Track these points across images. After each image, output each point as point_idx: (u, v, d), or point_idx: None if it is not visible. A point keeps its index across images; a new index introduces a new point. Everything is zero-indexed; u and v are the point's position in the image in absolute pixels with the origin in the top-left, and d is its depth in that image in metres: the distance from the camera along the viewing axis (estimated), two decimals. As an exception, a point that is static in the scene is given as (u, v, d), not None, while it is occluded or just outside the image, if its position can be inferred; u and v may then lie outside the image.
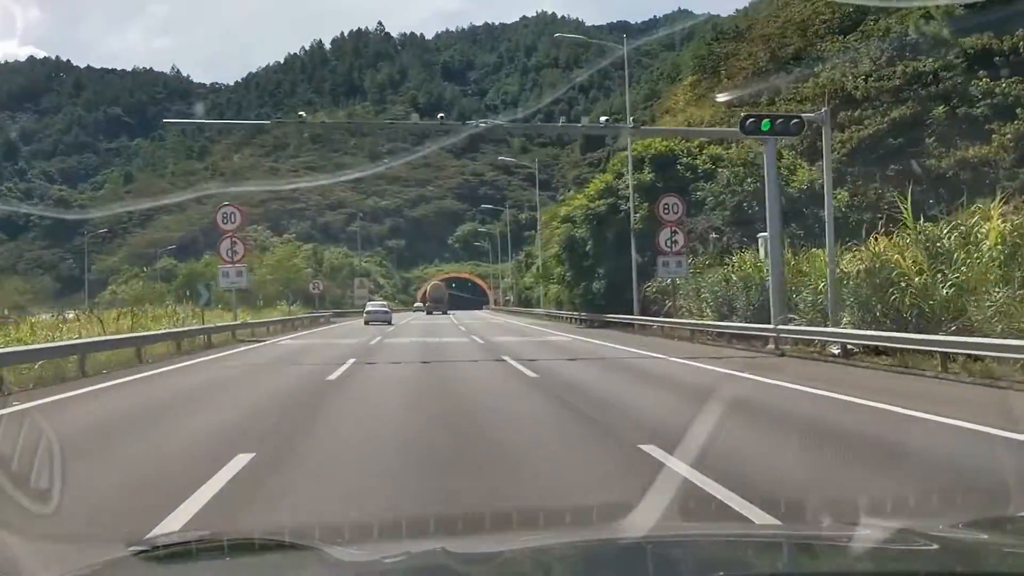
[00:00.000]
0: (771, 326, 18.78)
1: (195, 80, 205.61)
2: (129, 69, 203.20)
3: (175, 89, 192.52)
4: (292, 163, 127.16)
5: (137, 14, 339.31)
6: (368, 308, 45.56)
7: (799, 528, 3.88)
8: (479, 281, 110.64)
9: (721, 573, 1.94)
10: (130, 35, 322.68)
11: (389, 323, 40.80)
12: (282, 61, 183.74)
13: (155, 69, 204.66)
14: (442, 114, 28.22)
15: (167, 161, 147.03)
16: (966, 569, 1.91)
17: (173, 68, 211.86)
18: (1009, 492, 5.50)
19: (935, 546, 2.01)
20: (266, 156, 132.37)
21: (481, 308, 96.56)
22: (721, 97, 34.15)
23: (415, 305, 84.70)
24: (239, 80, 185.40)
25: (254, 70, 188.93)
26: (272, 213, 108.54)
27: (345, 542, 3.36)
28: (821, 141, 19.65)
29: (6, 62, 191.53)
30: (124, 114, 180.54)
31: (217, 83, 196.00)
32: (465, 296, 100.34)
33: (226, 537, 2.43)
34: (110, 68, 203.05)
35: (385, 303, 50.59)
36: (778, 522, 4.73)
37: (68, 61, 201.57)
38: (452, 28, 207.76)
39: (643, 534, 2.75)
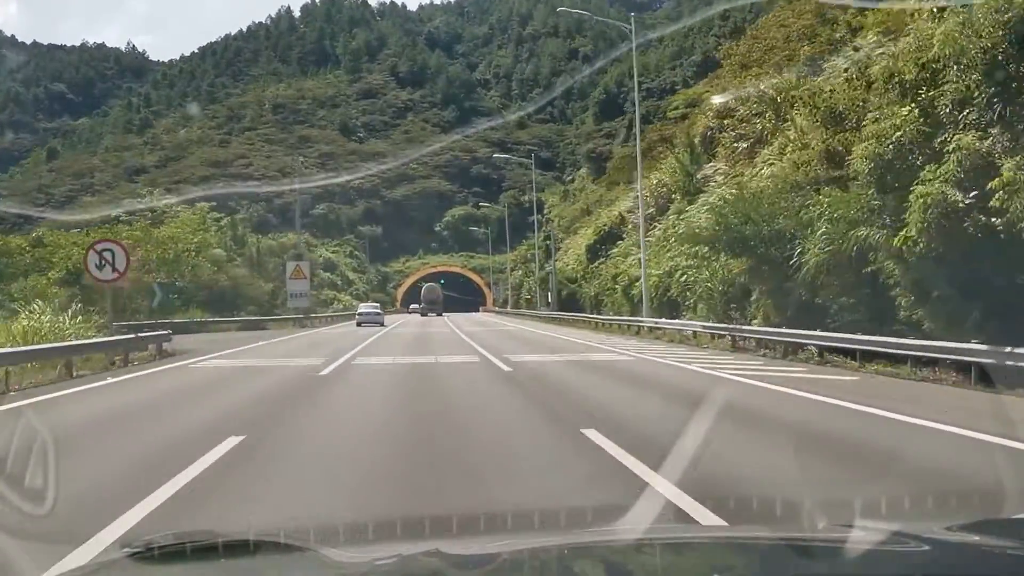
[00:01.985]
0: None
1: (152, 57, 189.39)
2: (77, 44, 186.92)
3: (128, 65, 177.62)
4: (248, 135, 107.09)
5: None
6: (360, 310, 47.45)
7: (795, 530, 3.58)
8: (474, 276, 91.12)
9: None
10: (87, 10, 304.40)
11: (381, 324, 41.38)
12: (244, 29, 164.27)
13: (108, 45, 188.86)
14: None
15: (104, 136, 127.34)
16: (960, 572, 1.91)
17: (128, 44, 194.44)
18: None
19: (928, 548, 2.00)
20: (217, 128, 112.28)
21: (478, 310, 77.98)
22: (716, 99, 23.26)
23: (411, 307, 77.90)
24: (195, 50, 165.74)
25: (213, 39, 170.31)
26: (219, 194, 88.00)
27: (340, 543, 3.39)
28: None
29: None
30: (69, 91, 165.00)
31: (175, 60, 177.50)
32: (456, 296, 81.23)
33: (221, 537, 2.33)
34: (58, 44, 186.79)
35: (377, 305, 51.74)
36: None
37: (13, 36, 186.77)
38: (437, 0, 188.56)
39: (638, 536, 2.66)
